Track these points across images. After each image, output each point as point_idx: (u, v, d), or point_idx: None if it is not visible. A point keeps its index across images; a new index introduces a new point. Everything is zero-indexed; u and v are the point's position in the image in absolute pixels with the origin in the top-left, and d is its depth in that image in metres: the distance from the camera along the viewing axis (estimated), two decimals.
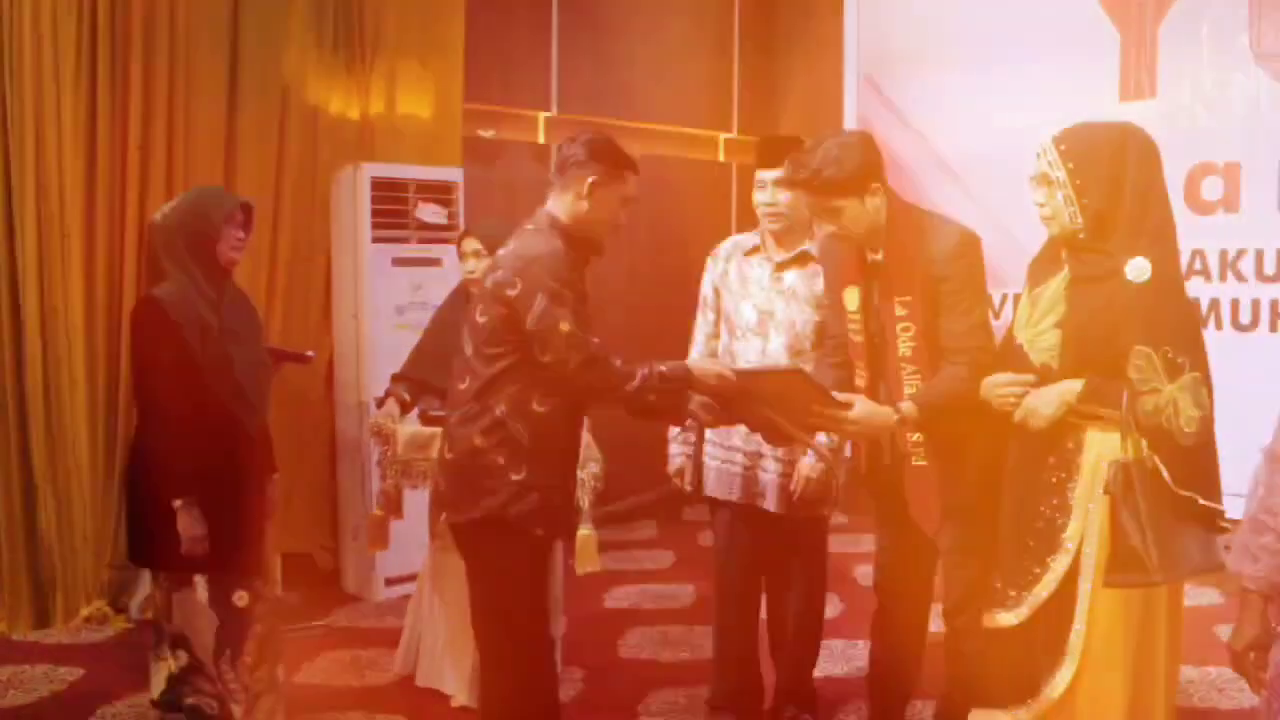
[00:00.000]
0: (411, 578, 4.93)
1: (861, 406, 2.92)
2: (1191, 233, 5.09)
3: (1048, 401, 2.66)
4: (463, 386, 2.79)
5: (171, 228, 3.31)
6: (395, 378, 3.96)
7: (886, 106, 6.26)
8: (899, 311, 2.95)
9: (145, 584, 4.73)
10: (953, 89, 5.91)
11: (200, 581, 3.30)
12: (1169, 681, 2.74)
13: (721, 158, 6.89)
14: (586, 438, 3.60)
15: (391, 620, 4.77)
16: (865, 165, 2.91)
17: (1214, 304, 5.07)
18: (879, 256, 3.01)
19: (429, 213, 5.16)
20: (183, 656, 3.38)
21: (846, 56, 6.46)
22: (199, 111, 4.82)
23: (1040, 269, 2.81)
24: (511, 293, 2.68)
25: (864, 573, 5.11)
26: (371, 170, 5.04)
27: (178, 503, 3.19)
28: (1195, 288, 5.05)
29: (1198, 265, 5.09)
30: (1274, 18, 4.84)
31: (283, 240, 5.07)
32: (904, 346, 2.95)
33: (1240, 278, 5.02)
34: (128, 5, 4.61)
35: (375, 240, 5.04)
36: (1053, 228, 2.68)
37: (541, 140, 6.14)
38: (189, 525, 3.19)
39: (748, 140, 6.70)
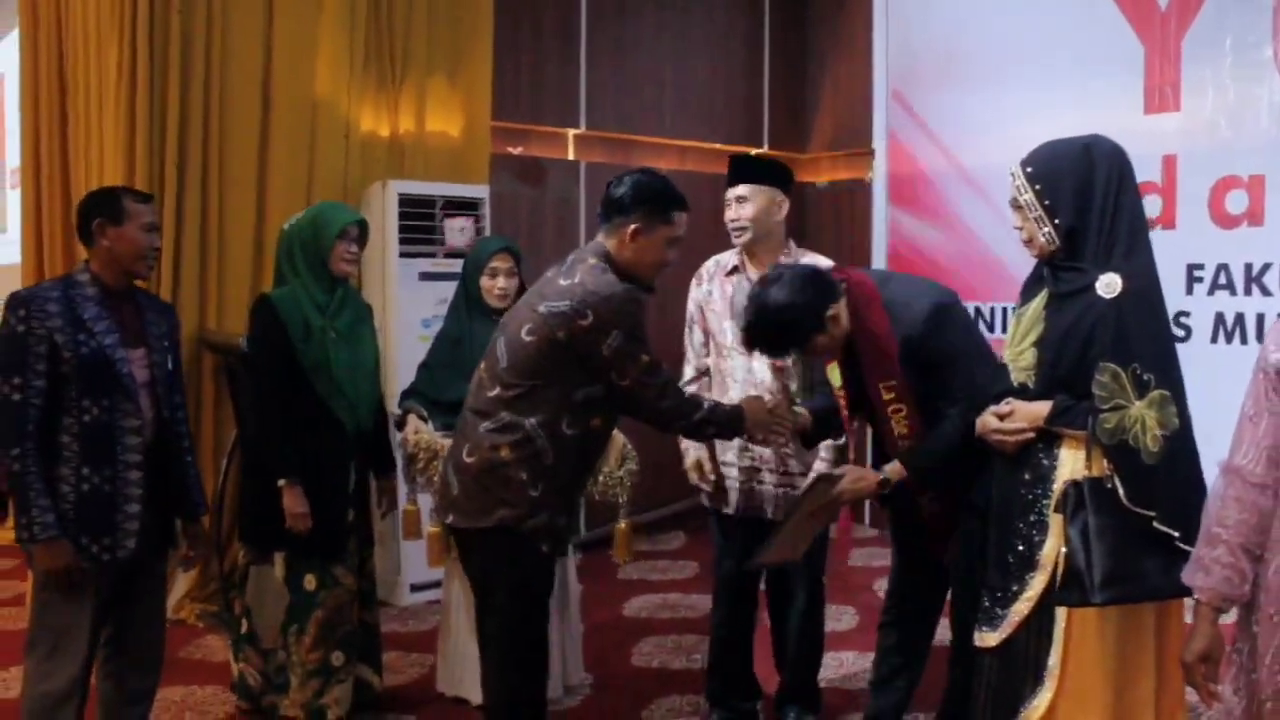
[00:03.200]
0: (436, 584, 5.07)
1: (850, 474, 3.11)
2: (1216, 246, 5.07)
3: (1016, 428, 2.65)
4: (492, 394, 2.80)
5: (292, 237, 3.65)
6: (407, 394, 3.87)
7: (914, 121, 6.26)
8: (886, 396, 3.06)
9: (181, 585, 4.93)
10: (979, 103, 5.90)
11: (279, 560, 3.62)
12: (1169, 704, 2.65)
13: None
14: (621, 439, 3.72)
15: (414, 624, 4.89)
16: (814, 309, 2.98)
17: (1239, 318, 5.02)
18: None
19: (455, 228, 5.28)
20: (244, 625, 3.76)
21: (876, 72, 6.47)
22: (233, 128, 4.99)
23: (1029, 288, 2.81)
24: (583, 322, 2.70)
25: (884, 586, 5.12)
26: (399, 187, 5.17)
27: (282, 482, 3.51)
28: (1220, 301, 5.02)
29: (1222, 279, 5.04)
30: None
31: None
32: (899, 426, 3.08)
33: (1265, 291, 4.97)
34: (166, 27, 4.79)
35: (403, 255, 5.18)
36: (1033, 249, 2.67)
37: (571, 156, 6.25)
38: (293, 503, 3.51)
39: (779, 155, 6.76)
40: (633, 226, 2.81)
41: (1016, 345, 2.73)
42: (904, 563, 3.44)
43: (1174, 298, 5.17)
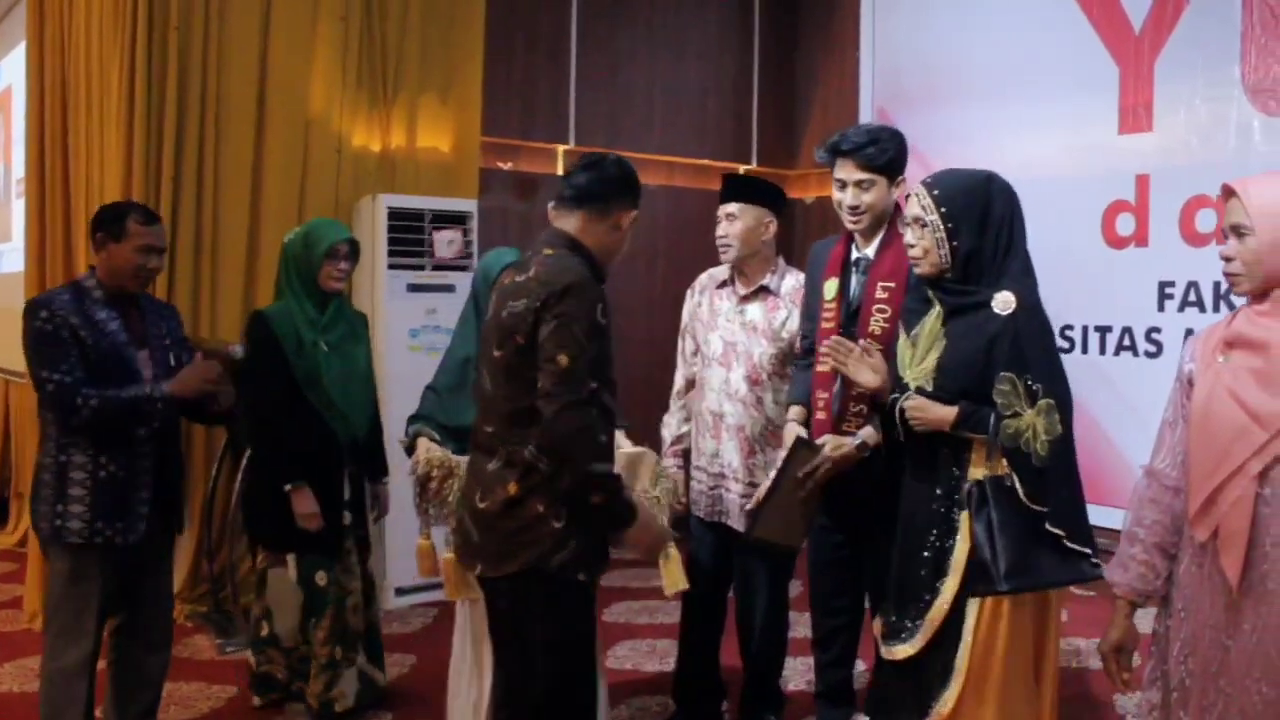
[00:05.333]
0: (422, 588, 5.19)
1: (830, 442, 3.21)
2: (1187, 264, 5.19)
3: (939, 417, 2.78)
4: (490, 429, 2.60)
5: (287, 252, 3.82)
6: (414, 418, 3.47)
7: None
8: (879, 294, 3.23)
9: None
10: (961, 121, 6.04)
11: (291, 561, 3.80)
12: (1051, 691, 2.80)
13: None
14: (654, 456, 3.45)
15: (398, 627, 5.00)
16: (901, 158, 3.27)
17: None
18: (867, 252, 3.30)
19: (444, 240, 5.41)
20: (265, 627, 3.94)
21: (862, 91, 6.63)
22: (228, 143, 5.14)
23: (911, 315, 2.94)
24: (534, 319, 2.49)
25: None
26: (389, 200, 5.31)
27: (288, 487, 3.68)
28: (1191, 318, 5.13)
29: (1192, 296, 5.15)
30: (1264, 52, 4.91)
31: None
32: (875, 325, 3.22)
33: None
34: (164, 45, 4.94)
35: (392, 267, 5.31)
36: (923, 266, 2.80)
37: (560, 172, 6.39)
38: (302, 504, 3.71)
39: (768, 172, 6.89)
40: (632, 214, 2.70)
41: (918, 365, 2.85)
42: (827, 578, 3.58)
43: (1146, 314, 5.31)
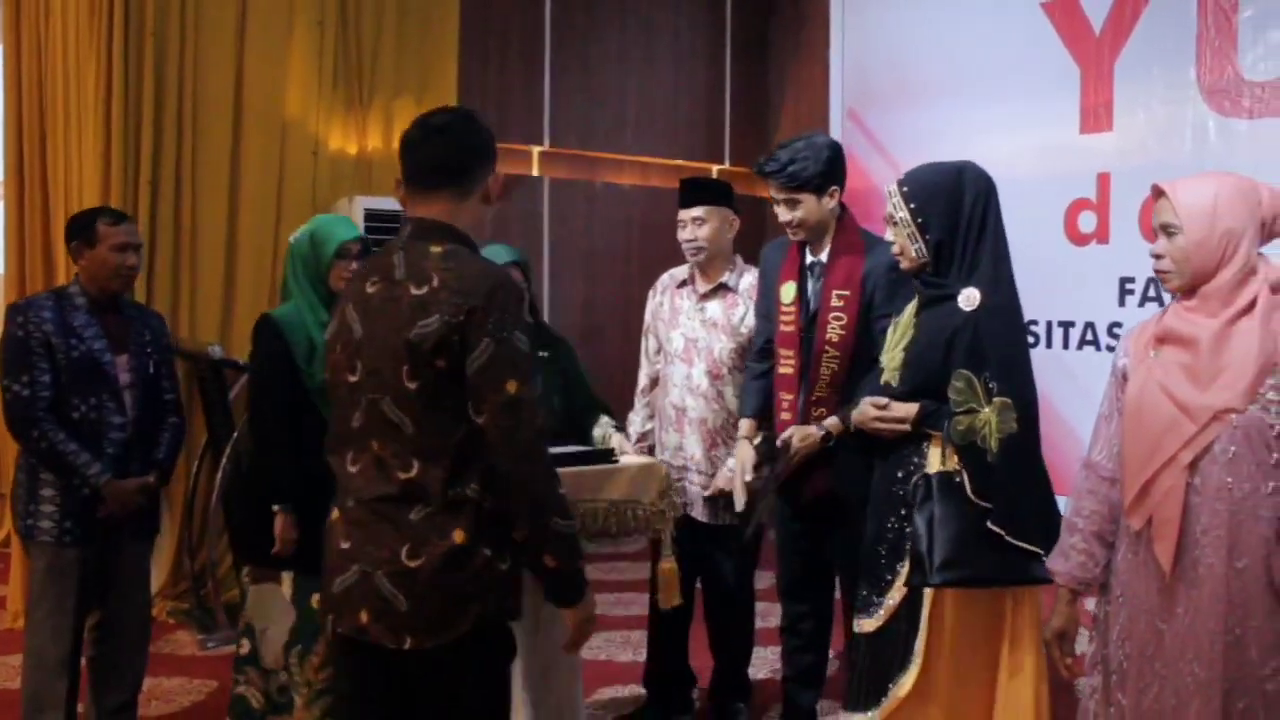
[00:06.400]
0: None
1: (795, 432, 3.28)
2: (1146, 260, 5.08)
3: (895, 416, 2.87)
4: (410, 474, 2.14)
5: (293, 252, 3.57)
6: None
7: (868, 138, 6.52)
8: (835, 302, 3.30)
9: (154, 583, 5.12)
10: (928, 122, 6.14)
11: (288, 579, 3.55)
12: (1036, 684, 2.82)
13: None
14: (663, 468, 3.35)
15: None
16: (828, 170, 3.29)
17: None
18: (820, 257, 3.37)
19: None
20: (246, 645, 3.65)
21: (832, 91, 6.74)
22: (205, 146, 5.22)
23: (901, 300, 3.04)
24: (455, 338, 2.09)
25: None
26: (365, 202, 5.39)
27: (276, 508, 3.37)
28: (1150, 313, 5.08)
29: (1152, 291, 5.27)
30: (1218, 55, 5.03)
31: (283, 268, 5.41)
32: (832, 332, 3.30)
33: None
34: (141, 49, 5.01)
35: None
36: (905, 262, 2.88)
37: (535, 173, 6.49)
38: (286, 529, 3.38)
39: (740, 171, 6.98)
40: (500, 176, 2.54)
41: (892, 350, 2.96)
42: (793, 566, 3.66)
43: (1107, 309, 5.43)
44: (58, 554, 3.26)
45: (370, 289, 2.21)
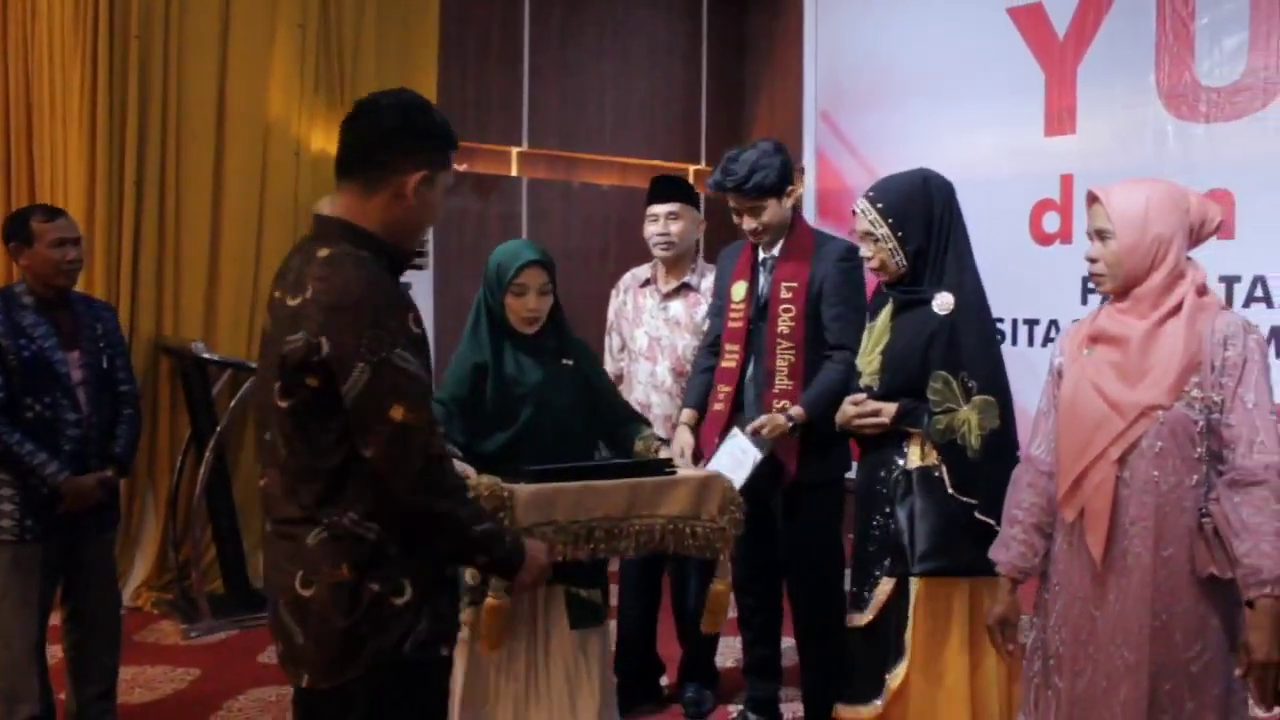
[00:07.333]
0: None
1: (768, 424, 3.35)
2: None
3: (872, 409, 3.00)
4: (294, 499, 1.98)
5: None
6: None
7: (840, 139, 6.65)
8: (784, 294, 3.42)
9: (139, 574, 5.24)
10: (899, 124, 6.28)
11: None
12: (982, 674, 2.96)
13: None
14: (725, 480, 2.98)
15: None
16: (784, 173, 3.43)
17: None
18: (773, 253, 3.48)
19: None
20: None
21: (805, 94, 6.86)
22: (189, 147, 5.31)
23: (877, 305, 3.16)
24: (317, 357, 1.89)
25: None
26: None
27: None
28: None
29: None
30: (1176, 60, 5.17)
31: (265, 267, 5.51)
32: (783, 325, 3.41)
33: None
34: (125, 52, 5.10)
35: None
36: (884, 275, 3.00)
37: (514, 173, 6.60)
38: None
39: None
40: (419, 175, 2.00)
41: (868, 354, 3.08)
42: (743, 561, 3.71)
43: (1071, 307, 5.57)
44: (19, 551, 3.28)
45: (276, 294, 2.03)
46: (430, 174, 2.02)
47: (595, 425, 3.16)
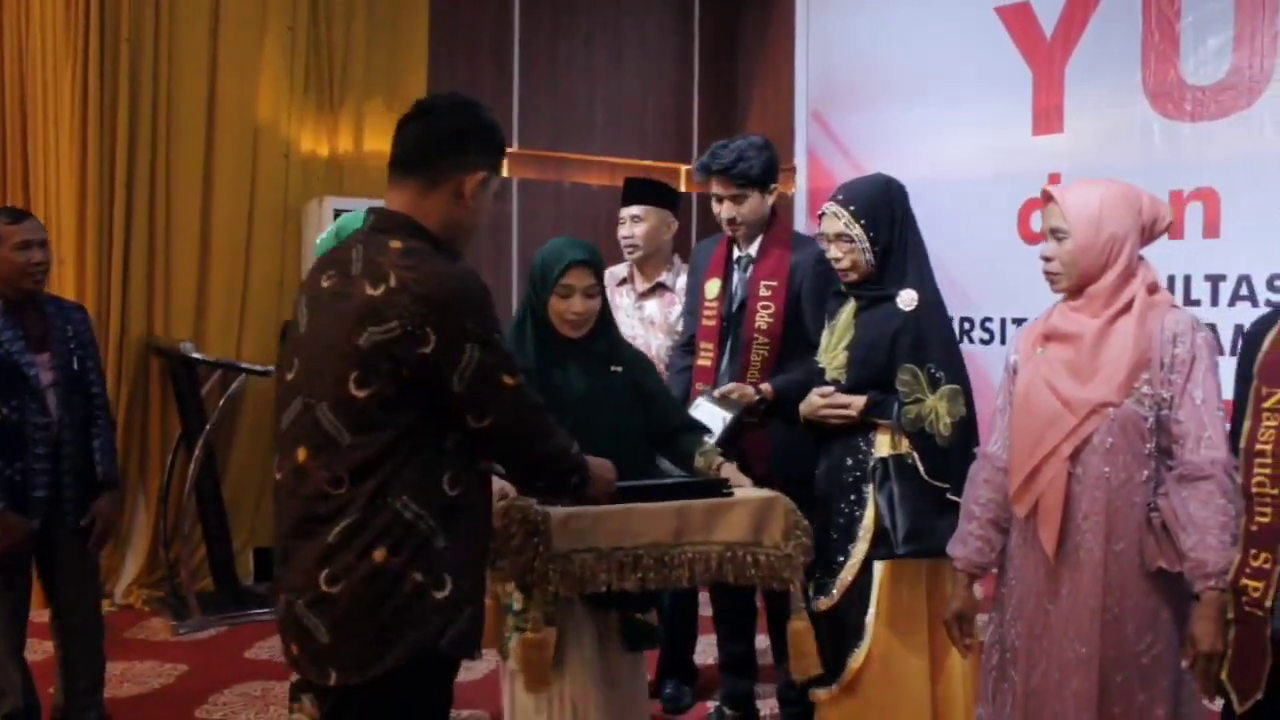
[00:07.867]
0: None
1: (737, 390, 3.41)
2: None
3: (841, 402, 3.06)
4: (334, 490, 1.97)
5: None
6: None
7: (831, 139, 6.66)
8: (763, 292, 3.47)
9: (130, 572, 5.29)
10: (889, 123, 6.27)
11: None
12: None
13: (683, 188, 7.30)
14: (786, 502, 2.65)
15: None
16: (770, 168, 3.49)
17: None
18: (750, 251, 3.53)
19: None
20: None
21: (796, 93, 6.87)
22: (179, 149, 5.36)
23: (833, 302, 3.23)
24: (424, 349, 1.94)
25: None
26: (335, 203, 5.50)
27: None
28: None
29: None
30: (1162, 59, 5.17)
31: (255, 267, 5.58)
32: (761, 320, 3.47)
33: None
34: (116, 55, 5.15)
35: None
36: (851, 275, 3.06)
37: (504, 174, 6.62)
38: None
39: None
40: (479, 175, 2.09)
41: (831, 350, 3.13)
42: None
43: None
44: None
45: (325, 283, 2.04)
46: (489, 175, 2.12)
47: (649, 435, 2.90)
